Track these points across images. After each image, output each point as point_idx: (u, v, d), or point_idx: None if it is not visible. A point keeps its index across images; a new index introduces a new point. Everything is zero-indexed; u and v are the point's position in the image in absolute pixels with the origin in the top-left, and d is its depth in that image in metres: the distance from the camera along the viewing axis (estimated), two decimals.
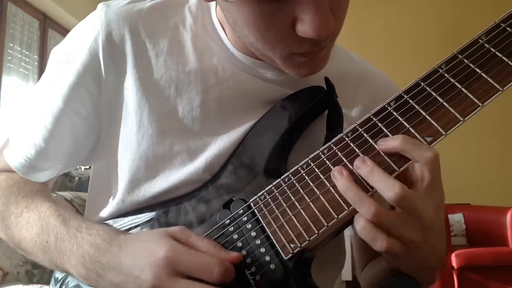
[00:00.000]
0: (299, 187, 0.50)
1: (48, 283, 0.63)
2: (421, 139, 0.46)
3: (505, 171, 3.35)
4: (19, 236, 0.58)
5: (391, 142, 0.47)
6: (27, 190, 0.61)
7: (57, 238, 0.53)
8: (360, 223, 0.45)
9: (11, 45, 3.08)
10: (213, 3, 0.63)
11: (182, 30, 0.61)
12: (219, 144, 0.57)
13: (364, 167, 0.46)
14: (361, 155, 0.48)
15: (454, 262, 2.53)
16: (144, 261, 0.46)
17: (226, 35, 0.61)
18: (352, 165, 0.48)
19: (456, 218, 3.13)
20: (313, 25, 0.46)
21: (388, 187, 0.44)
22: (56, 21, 3.59)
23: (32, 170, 0.63)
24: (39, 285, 1.48)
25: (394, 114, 0.49)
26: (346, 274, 3.11)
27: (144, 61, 0.58)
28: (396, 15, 3.62)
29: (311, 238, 0.47)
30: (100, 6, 0.60)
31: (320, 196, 0.48)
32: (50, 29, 3.53)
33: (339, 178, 0.47)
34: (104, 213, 0.60)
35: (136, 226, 0.56)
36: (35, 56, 3.34)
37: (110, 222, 0.59)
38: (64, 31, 3.67)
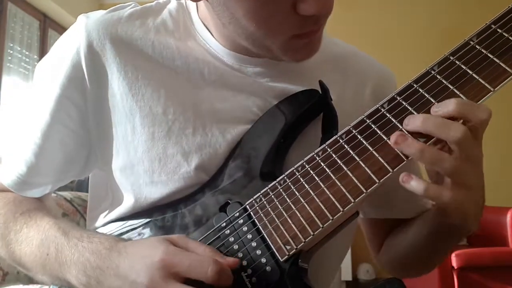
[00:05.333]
0: (294, 189, 0.50)
1: (42, 283, 0.64)
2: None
3: (505, 171, 3.35)
4: (20, 252, 0.58)
5: (446, 109, 0.45)
6: (24, 208, 0.61)
7: (58, 249, 0.53)
8: (423, 185, 0.45)
9: (11, 45, 3.08)
10: (193, 5, 0.63)
11: (164, 34, 0.61)
12: (214, 144, 0.57)
13: (415, 117, 0.46)
14: (355, 157, 0.48)
15: (454, 262, 2.53)
16: (141, 265, 0.46)
17: (212, 34, 0.61)
18: (347, 166, 0.48)
19: None
20: (314, 1, 0.49)
21: (453, 126, 0.44)
22: (56, 21, 3.59)
23: (26, 187, 0.63)
24: (39, 285, 1.48)
25: (387, 116, 0.49)
26: (346, 274, 3.11)
27: (129, 67, 0.58)
28: (395, 15, 3.61)
29: (306, 240, 0.47)
30: (80, 17, 0.61)
31: (315, 197, 0.48)
32: (50, 29, 3.53)
33: (409, 143, 0.45)
34: (106, 219, 0.61)
35: (133, 229, 0.57)
36: (35, 56, 3.34)
37: (109, 225, 0.60)
38: (64, 31, 3.62)
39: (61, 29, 3.63)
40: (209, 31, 0.61)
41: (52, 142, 0.61)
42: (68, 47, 0.59)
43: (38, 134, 0.60)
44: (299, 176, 0.50)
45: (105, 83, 0.59)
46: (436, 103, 0.47)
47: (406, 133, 0.46)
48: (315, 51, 0.57)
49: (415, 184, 0.45)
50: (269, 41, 0.54)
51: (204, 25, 0.62)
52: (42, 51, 3.40)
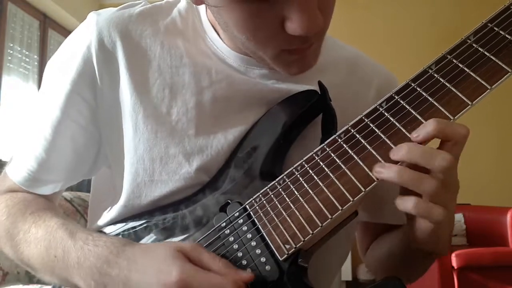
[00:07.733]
0: (293, 189, 0.50)
1: (48, 283, 0.63)
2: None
3: (505, 171, 3.35)
4: (28, 253, 0.57)
5: (425, 130, 0.45)
6: (33, 208, 0.60)
7: (65, 251, 0.53)
8: (413, 201, 0.45)
9: (11, 45, 3.09)
10: (203, 6, 0.63)
11: (173, 34, 0.61)
12: (216, 146, 0.57)
13: (401, 147, 0.46)
14: (354, 156, 0.48)
15: (454, 262, 2.53)
16: (154, 281, 0.45)
17: (219, 35, 0.61)
18: (346, 165, 0.48)
19: (456, 218, 3.13)
20: (301, 23, 0.48)
21: (439, 156, 0.44)
22: (56, 21, 3.60)
23: (36, 184, 0.63)
24: (39, 285, 1.48)
25: (385, 115, 0.49)
26: (346, 274, 3.12)
27: (137, 65, 0.59)
28: (395, 15, 3.62)
29: (305, 239, 0.47)
30: (91, 14, 0.61)
31: (314, 196, 0.48)
32: (50, 29, 3.54)
33: (387, 167, 0.45)
34: (106, 218, 0.60)
35: (134, 229, 0.57)
36: (35, 56, 3.35)
37: (109, 227, 0.59)
38: (64, 31, 3.67)
39: (61, 29, 3.64)
40: (217, 32, 0.62)
41: (62, 139, 0.61)
42: (79, 44, 0.60)
43: (49, 130, 0.60)
44: (298, 175, 0.51)
45: (115, 80, 0.59)
46: (414, 132, 0.46)
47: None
48: (309, 66, 0.57)
49: (401, 202, 0.46)
50: (260, 52, 0.54)
51: (212, 26, 0.62)
52: (42, 51, 3.41)
